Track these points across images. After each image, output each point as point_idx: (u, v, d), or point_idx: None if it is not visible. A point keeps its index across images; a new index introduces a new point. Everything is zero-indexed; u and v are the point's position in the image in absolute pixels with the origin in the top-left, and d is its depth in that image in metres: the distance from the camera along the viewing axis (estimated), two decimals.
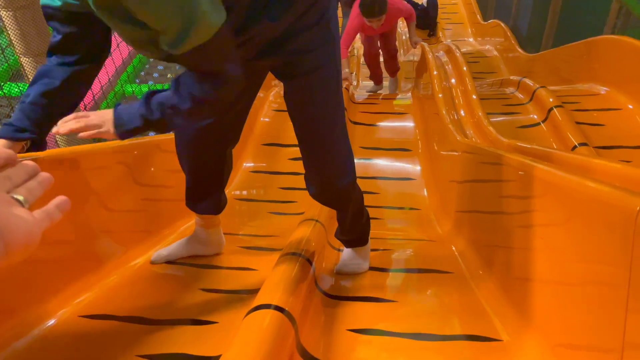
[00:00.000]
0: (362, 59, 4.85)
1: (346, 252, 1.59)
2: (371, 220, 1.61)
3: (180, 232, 1.81)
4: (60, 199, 0.53)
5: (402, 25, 4.22)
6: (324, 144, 1.28)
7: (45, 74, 1.09)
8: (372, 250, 1.63)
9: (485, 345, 1.14)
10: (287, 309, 1.05)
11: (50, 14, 1.04)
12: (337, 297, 1.40)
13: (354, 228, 1.53)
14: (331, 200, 1.43)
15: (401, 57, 4.25)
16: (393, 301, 1.38)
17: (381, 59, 4.16)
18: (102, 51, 1.16)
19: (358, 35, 5.14)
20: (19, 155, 1.05)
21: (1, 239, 0.42)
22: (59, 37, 1.08)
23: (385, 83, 4.31)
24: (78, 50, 1.10)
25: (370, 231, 1.61)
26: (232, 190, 2.58)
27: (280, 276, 1.21)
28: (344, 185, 1.36)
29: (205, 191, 1.50)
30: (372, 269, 1.58)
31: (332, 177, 1.33)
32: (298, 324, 1.08)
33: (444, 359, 1.11)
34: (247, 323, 1.00)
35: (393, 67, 4.18)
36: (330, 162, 1.31)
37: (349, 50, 3.75)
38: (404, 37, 5.39)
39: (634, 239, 0.73)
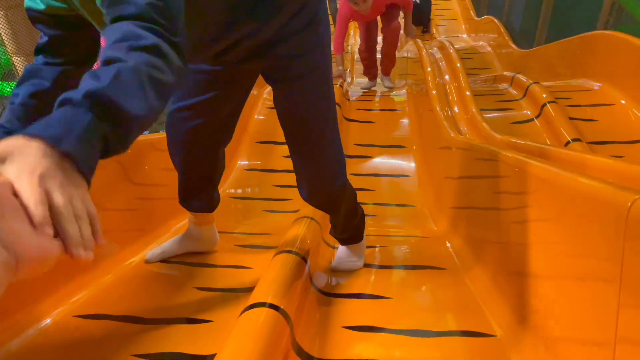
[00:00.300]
0: (356, 55, 4.83)
1: (341, 249, 1.59)
2: (366, 218, 1.61)
3: (175, 230, 1.81)
4: None
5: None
6: (315, 148, 1.27)
7: (34, 74, 1.07)
8: (367, 247, 1.63)
9: (480, 341, 1.15)
10: (282, 307, 1.05)
11: (34, 17, 1.02)
12: (332, 295, 1.40)
13: (348, 227, 1.53)
14: (323, 202, 1.42)
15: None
16: (388, 298, 1.38)
17: (378, 55, 4.10)
18: (92, 54, 1.13)
19: (353, 34, 5.06)
20: None
21: (12, 254, 0.41)
22: (45, 38, 1.06)
23: (379, 80, 4.29)
24: (66, 52, 1.08)
25: (365, 228, 1.61)
26: (227, 188, 2.57)
27: (275, 274, 1.21)
28: (335, 188, 1.35)
29: (198, 189, 1.50)
30: (367, 266, 1.58)
31: (323, 181, 1.33)
32: (293, 322, 1.08)
33: (439, 355, 1.12)
34: (242, 321, 1.00)
35: (389, 63, 4.10)
36: (321, 167, 1.31)
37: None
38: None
39: (626, 234, 0.73)
